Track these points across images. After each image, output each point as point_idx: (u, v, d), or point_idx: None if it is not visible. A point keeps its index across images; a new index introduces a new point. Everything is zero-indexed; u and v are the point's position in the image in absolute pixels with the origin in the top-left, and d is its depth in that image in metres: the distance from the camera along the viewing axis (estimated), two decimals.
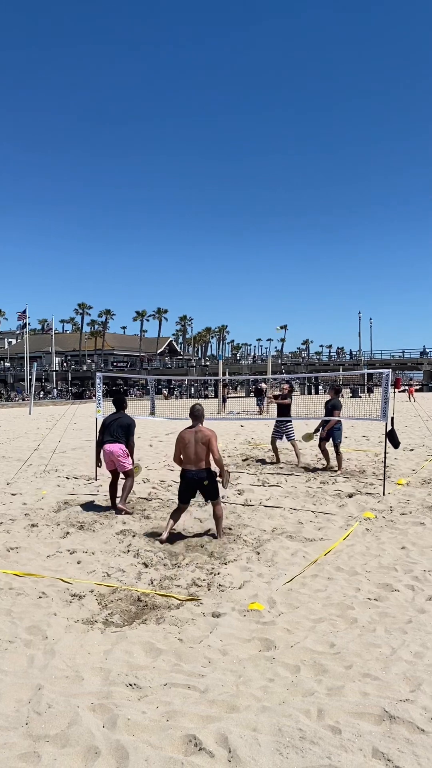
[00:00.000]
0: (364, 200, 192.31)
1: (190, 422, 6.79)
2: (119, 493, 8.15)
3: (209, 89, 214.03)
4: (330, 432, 11.31)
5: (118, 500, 8.02)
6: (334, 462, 11.42)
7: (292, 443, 12.11)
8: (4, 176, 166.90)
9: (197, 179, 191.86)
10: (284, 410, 12.13)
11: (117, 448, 8.03)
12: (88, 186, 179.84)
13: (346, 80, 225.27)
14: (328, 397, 11.98)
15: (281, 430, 12.20)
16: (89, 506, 8.38)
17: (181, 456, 6.67)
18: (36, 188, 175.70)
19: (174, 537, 6.81)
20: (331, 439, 11.36)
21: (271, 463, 12.38)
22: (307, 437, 12.09)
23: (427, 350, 67.28)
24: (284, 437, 12.18)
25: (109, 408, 9.31)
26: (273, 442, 12.54)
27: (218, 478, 6.80)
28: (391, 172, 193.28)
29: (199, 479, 6.55)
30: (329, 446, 11.58)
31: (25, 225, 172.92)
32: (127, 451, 8.13)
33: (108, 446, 8.07)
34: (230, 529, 7.12)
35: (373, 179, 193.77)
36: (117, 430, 8.10)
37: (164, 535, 6.59)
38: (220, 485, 6.84)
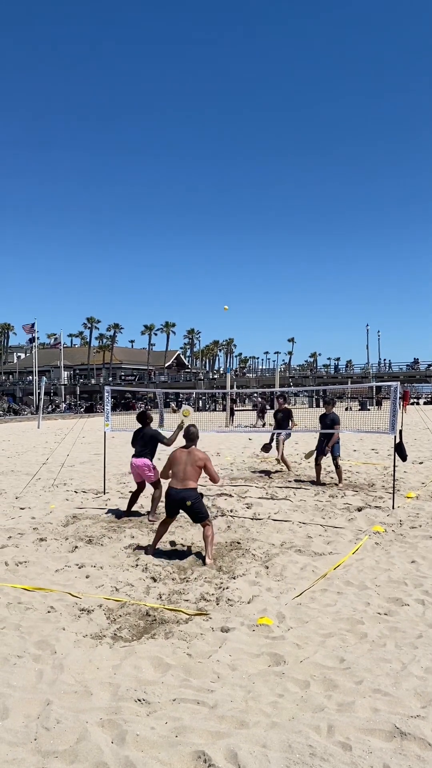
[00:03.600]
0: (372, 212, 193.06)
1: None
2: (140, 502, 8.66)
3: (217, 98, 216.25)
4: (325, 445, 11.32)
5: (148, 514, 8.54)
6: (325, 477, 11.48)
7: (278, 442, 12.62)
8: (13, 191, 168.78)
9: (205, 195, 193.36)
10: (283, 423, 12.61)
11: (142, 462, 8.51)
12: (97, 201, 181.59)
13: (347, 84, 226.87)
14: (322, 410, 11.97)
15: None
16: (98, 520, 8.39)
17: (170, 472, 6.73)
18: (44, 203, 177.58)
19: (182, 552, 6.80)
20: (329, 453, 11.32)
21: (277, 472, 12.59)
22: (309, 455, 12.08)
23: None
24: (282, 434, 12.71)
25: (119, 422, 9.52)
26: (277, 442, 13.04)
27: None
28: (397, 180, 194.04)
29: (182, 499, 6.49)
30: (324, 461, 11.59)
31: (33, 240, 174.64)
32: (152, 465, 8.53)
33: (135, 460, 8.56)
34: (238, 543, 7.10)
35: (381, 189, 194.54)
36: (149, 441, 8.58)
37: (150, 550, 6.68)
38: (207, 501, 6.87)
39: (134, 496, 8.86)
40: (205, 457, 6.66)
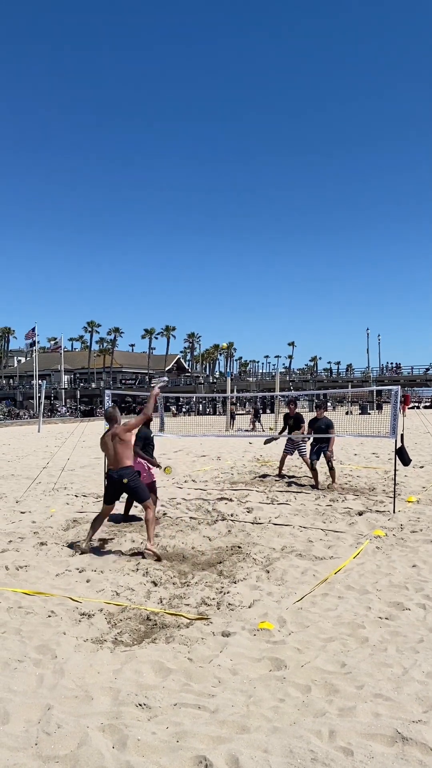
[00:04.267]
0: (372, 215, 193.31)
1: (199, 438, 6.91)
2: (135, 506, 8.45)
3: (216, 99, 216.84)
4: (321, 449, 11.30)
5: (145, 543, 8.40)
6: (321, 479, 11.45)
7: (304, 459, 12.16)
8: (13, 194, 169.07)
9: (205, 198, 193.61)
10: (294, 429, 12.26)
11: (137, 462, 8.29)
12: (97, 204, 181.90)
13: (346, 85, 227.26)
14: (315, 415, 11.93)
15: (293, 446, 12.33)
16: None
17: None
18: (44, 206, 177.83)
19: (182, 556, 6.79)
20: (321, 456, 11.34)
21: (275, 476, 12.56)
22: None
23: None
24: (295, 452, 12.29)
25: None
26: (284, 457, 12.75)
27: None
28: (397, 183, 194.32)
29: (120, 477, 6.62)
30: (320, 464, 11.57)
31: (34, 244, 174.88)
32: (146, 465, 8.35)
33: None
34: (239, 547, 7.09)
35: (381, 192, 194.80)
36: (138, 440, 8.37)
37: (84, 545, 6.79)
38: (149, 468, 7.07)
39: (130, 500, 8.73)
40: (124, 428, 6.73)
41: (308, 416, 12.90)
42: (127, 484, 6.59)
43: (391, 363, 73.47)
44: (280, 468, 12.90)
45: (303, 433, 12.16)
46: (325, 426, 11.28)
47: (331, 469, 11.30)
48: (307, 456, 12.06)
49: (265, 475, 13.08)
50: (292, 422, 12.37)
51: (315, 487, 11.29)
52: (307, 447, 12.02)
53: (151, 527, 6.67)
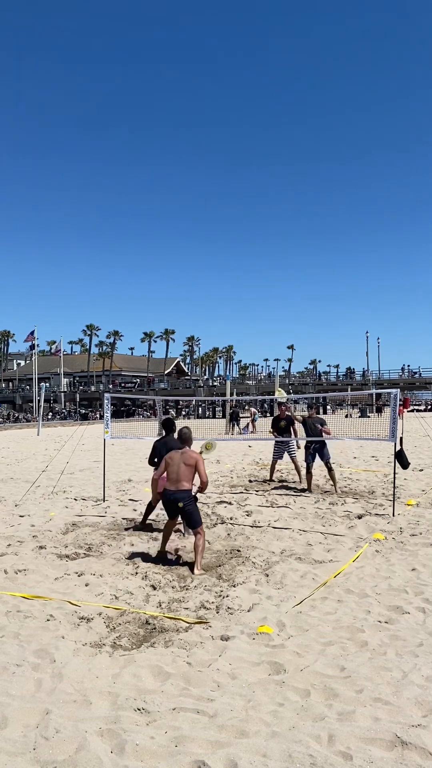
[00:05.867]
0: (372, 218, 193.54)
1: (198, 441, 6.92)
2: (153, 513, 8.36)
3: (217, 102, 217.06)
4: (321, 451, 11.16)
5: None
6: (312, 484, 11.41)
7: (294, 461, 12.18)
8: (13, 198, 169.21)
9: (205, 201, 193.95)
10: (285, 431, 12.16)
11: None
12: (96, 208, 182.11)
13: (345, 86, 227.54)
14: (320, 417, 11.90)
15: (281, 450, 12.32)
16: (97, 528, 8.37)
17: (164, 475, 6.81)
18: (44, 210, 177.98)
19: (181, 559, 6.78)
20: (318, 458, 11.20)
21: (267, 481, 12.57)
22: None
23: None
24: (285, 455, 12.30)
25: (119, 429, 9.39)
26: (274, 463, 12.72)
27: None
28: (397, 186, 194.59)
29: (175, 500, 6.55)
30: (320, 467, 11.55)
31: (34, 247, 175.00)
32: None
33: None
34: (239, 551, 7.08)
35: (381, 196, 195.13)
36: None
37: (163, 548, 6.82)
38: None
39: (151, 506, 8.44)
40: (198, 458, 6.73)
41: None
42: (183, 508, 6.53)
43: (408, 366, 73.11)
44: (271, 473, 12.86)
45: (294, 435, 12.16)
46: (319, 424, 11.26)
47: (330, 470, 11.23)
48: (298, 458, 12.05)
49: (264, 479, 13.07)
50: (284, 424, 12.23)
51: (307, 490, 11.23)
52: (301, 451, 11.94)
53: (199, 554, 6.45)
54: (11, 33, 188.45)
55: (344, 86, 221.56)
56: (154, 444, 8.40)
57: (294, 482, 12.32)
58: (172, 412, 58.75)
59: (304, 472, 11.66)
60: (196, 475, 6.66)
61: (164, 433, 8.41)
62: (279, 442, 12.21)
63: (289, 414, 12.60)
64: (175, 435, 8.41)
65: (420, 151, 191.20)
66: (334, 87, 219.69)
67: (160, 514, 8.98)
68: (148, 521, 8.51)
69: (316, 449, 11.19)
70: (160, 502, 7.21)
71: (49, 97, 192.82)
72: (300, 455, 12.16)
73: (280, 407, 12.83)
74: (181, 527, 7.80)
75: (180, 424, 8.04)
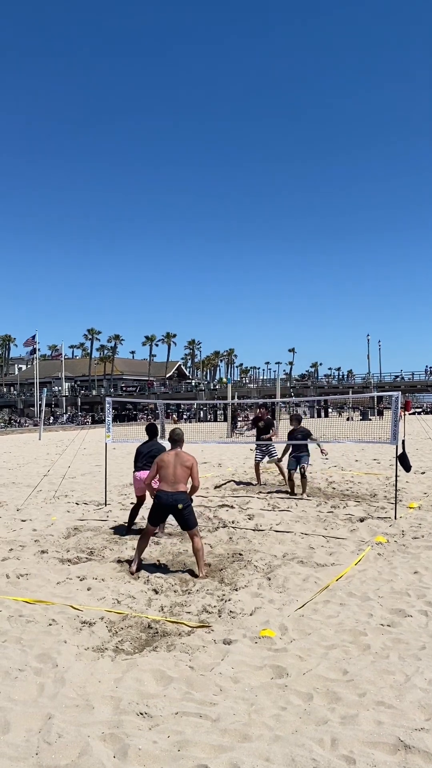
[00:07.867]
0: (373, 220, 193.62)
1: (200, 445, 6.85)
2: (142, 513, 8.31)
3: (217, 104, 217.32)
4: (299, 457, 11.13)
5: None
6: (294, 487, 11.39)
7: (275, 463, 12.18)
8: (12, 200, 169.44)
9: (205, 204, 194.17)
10: (263, 432, 12.25)
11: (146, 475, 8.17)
12: (97, 211, 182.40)
13: (344, 87, 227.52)
14: (320, 422, 11.88)
15: (263, 451, 12.38)
16: (99, 532, 8.37)
17: (158, 477, 6.56)
18: (44, 212, 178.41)
19: (183, 563, 6.77)
20: (299, 465, 11.17)
21: (254, 484, 12.51)
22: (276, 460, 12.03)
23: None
24: (266, 457, 12.35)
25: (121, 433, 9.40)
26: (257, 465, 12.72)
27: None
28: (397, 188, 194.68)
29: (174, 502, 6.31)
30: (318, 470, 11.51)
31: (34, 251, 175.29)
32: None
33: (139, 473, 8.21)
34: (240, 554, 7.07)
35: (381, 197, 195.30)
36: (150, 459, 8.07)
37: (133, 567, 6.39)
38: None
39: (135, 511, 8.56)
40: (193, 459, 6.49)
41: (307, 423, 12.84)
42: (182, 510, 6.31)
43: (388, 373, 73.10)
44: (257, 476, 12.83)
45: (272, 438, 12.21)
46: (302, 436, 11.22)
47: (303, 477, 11.18)
48: (277, 460, 12.08)
49: (266, 483, 13.06)
50: (262, 425, 12.30)
51: (290, 493, 11.23)
52: (286, 456, 11.78)
53: (201, 557, 6.36)
54: (11, 32, 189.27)
55: (344, 85, 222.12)
56: (137, 449, 8.50)
57: (281, 484, 12.29)
58: (174, 416, 58.75)
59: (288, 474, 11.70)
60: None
61: (148, 438, 8.55)
62: (259, 443, 12.32)
63: (269, 417, 12.67)
64: (158, 439, 8.51)
65: (421, 149, 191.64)
66: (335, 86, 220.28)
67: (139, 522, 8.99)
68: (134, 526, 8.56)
69: (300, 457, 11.14)
70: (150, 505, 7.09)
71: (50, 95, 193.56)
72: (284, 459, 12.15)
73: (258, 409, 12.90)
74: (158, 534, 7.81)
75: (182, 427, 8.03)
